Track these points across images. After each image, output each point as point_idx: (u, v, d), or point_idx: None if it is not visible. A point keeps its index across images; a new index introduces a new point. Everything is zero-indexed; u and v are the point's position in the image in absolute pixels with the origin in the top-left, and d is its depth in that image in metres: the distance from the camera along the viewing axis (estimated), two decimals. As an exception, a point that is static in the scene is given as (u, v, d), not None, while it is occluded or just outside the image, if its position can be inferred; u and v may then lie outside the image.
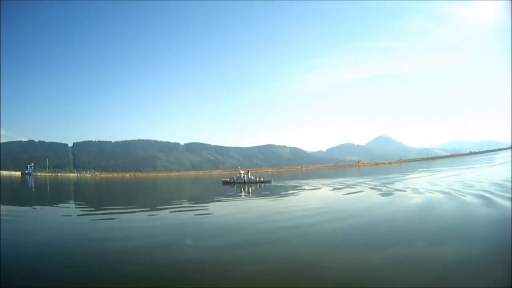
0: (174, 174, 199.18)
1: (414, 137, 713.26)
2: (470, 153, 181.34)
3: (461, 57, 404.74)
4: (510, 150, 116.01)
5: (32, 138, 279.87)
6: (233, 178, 57.52)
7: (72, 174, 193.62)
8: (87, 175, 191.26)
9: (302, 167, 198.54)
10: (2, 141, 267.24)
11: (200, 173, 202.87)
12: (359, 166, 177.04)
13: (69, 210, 29.62)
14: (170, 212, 25.61)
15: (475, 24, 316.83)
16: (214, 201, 34.37)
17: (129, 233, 16.89)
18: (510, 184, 27.27)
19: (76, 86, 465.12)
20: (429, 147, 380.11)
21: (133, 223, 21.13)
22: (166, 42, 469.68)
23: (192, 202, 33.34)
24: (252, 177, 56.02)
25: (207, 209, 27.61)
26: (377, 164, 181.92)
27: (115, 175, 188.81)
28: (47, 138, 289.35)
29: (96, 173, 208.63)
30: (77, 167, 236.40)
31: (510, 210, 16.61)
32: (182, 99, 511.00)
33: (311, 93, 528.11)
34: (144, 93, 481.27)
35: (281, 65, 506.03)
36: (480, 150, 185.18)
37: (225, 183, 57.61)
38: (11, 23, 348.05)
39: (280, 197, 34.29)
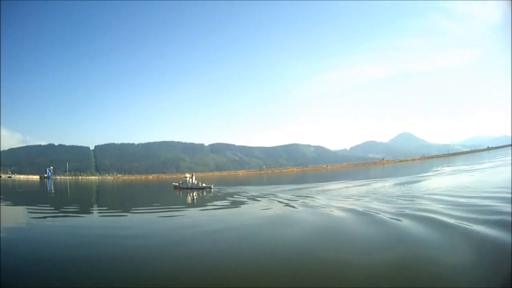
0: (198, 175, 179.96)
1: (435, 133, 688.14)
2: (488, 149, 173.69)
3: (476, 54, 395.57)
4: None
5: (52, 142, 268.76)
6: (179, 182, 52.71)
7: (93, 177, 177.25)
8: (109, 177, 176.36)
9: (327, 166, 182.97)
10: (19, 145, 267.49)
11: (225, 173, 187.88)
12: (383, 163, 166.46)
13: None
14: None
15: (488, 20, 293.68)
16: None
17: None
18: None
19: (97, 89, 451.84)
20: (449, 143, 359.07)
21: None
22: (189, 42, 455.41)
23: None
24: (195, 182, 49.93)
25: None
26: (401, 161, 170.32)
27: (138, 177, 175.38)
28: (68, 142, 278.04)
29: (118, 175, 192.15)
30: (99, 170, 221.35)
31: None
32: (206, 100, 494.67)
33: (334, 91, 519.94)
34: (168, 94, 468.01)
35: (304, 64, 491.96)
36: (497, 145, 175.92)
37: (175, 187, 52.52)
38: (25, 24, 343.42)
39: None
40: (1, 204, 32.72)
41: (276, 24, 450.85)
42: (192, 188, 47.43)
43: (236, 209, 25.02)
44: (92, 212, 27.45)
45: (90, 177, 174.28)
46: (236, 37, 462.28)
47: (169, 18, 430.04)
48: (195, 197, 37.18)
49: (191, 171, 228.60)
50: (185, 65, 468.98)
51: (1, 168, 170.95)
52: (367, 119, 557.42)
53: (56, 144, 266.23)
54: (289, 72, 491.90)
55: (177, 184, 53.86)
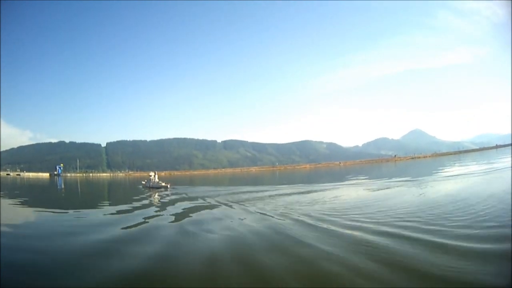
0: (211, 171, 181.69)
1: (445, 130, 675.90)
2: (497, 146, 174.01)
3: (483, 51, 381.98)
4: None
5: (63, 140, 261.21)
6: (145, 181, 51.09)
7: (104, 174, 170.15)
8: (120, 174, 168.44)
9: (340, 163, 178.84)
10: (30, 143, 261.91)
11: (238, 170, 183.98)
12: (395, 160, 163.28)
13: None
14: None
15: (493, 18, 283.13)
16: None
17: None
18: None
19: (109, 86, 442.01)
20: (459, 140, 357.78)
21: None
22: (203, 39, 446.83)
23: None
24: (156, 181, 47.48)
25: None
26: (413, 158, 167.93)
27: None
28: (80, 140, 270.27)
29: (130, 172, 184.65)
30: (110, 167, 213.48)
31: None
32: (219, 97, 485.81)
33: (346, 88, 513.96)
34: (180, 91, 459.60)
35: (316, 62, 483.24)
36: (505, 143, 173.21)
37: (143, 186, 50.90)
38: (35, 22, 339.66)
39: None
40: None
41: (287, 22, 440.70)
42: (153, 187, 46.37)
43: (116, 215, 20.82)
44: None
45: (101, 174, 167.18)
46: (249, 35, 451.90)
47: (181, 15, 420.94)
48: (130, 195, 36.29)
49: (204, 167, 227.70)
50: (198, 62, 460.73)
51: (3, 165, 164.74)
52: (379, 116, 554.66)
53: (67, 141, 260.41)
54: (301, 70, 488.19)
55: (144, 182, 52.65)
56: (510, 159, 51.26)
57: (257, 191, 32.22)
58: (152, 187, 45.72)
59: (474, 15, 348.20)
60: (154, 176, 48.90)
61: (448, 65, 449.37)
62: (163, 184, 46.05)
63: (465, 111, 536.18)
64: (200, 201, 26.34)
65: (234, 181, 68.52)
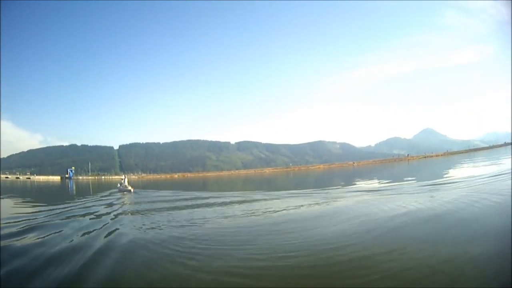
0: (224, 173, 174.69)
1: (455, 129, 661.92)
2: (505, 144, 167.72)
3: (490, 50, 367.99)
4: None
5: (74, 143, 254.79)
6: (119, 184, 47.99)
7: (117, 177, 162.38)
8: (134, 177, 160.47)
9: (353, 163, 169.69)
10: (40, 146, 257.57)
11: (252, 171, 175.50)
12: (408, 160, 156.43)
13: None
14: None
15: (498, 17, 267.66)
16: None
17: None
18: None
19: (120, 89, 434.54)
20: (469, 139, 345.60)
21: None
22: (214, 39, 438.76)
23: None
24: (125, 185, 45.02)
25: None
26: (425, 157, 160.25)
27: (163, 176, 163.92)
28: (91, 143, 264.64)
29: (143, 174, 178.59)
30: (123, 170, 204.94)
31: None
32: (231, 98, 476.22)
33: (356, 89, 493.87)
34: (193, 93, 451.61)
35: (328, 62, 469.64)
36: None
37: (118, 188, 47.51)
38: (44, 24, 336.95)
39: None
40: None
41: (301, 22, 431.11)
42: (121, 190, 45.60)
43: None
44: None
45: (113, 177, 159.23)
46: (260, 34, 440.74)
47: (190, 15, 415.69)
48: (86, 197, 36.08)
49: (217, 169, 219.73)
50: (210, 63, 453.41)
51: (14, 169, 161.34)
52: (390, 115, 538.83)
53: (79, 144, 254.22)
54: (312, 69, 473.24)
55: (119, 185, 50.68)
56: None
57: (214, 197, 29.22)
58: (121, 190, 45.29)
59: (480, 13, 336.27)
60: (124, 179, 48.23)
61: (456, 64, 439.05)
62: (129, 188, 45.44)
63: (474, 109, 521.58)
64: (120, 206, 24.79)
65: (222, 184, 62.01)
